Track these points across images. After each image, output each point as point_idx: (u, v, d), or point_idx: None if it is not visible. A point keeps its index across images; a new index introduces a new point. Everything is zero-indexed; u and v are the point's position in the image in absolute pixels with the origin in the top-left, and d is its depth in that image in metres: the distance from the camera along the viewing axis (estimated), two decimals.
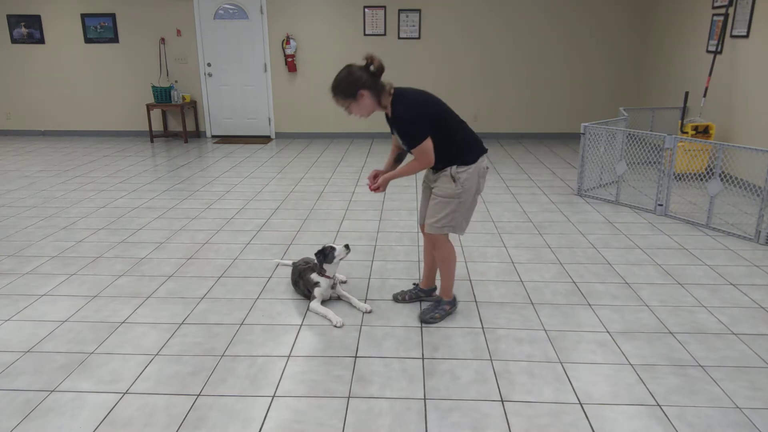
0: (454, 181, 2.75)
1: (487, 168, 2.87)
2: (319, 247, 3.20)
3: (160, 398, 2.36)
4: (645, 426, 2.19)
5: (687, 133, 5.99)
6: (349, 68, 2.67)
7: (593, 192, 5.49)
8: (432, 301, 3.13)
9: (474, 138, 2.82)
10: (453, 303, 3.06)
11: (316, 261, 3.19)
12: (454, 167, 2.75)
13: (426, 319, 2.97)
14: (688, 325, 2.97)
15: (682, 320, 3.02)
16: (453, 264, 3.00)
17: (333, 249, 3.13)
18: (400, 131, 2.74)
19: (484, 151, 2.83)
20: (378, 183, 2.87)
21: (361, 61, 2.69)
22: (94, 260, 3.84)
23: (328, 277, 3.15)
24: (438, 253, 2.96)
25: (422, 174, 3.04)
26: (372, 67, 2.65)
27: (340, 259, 3.17)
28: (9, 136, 8.88)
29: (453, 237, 4.22)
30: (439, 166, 2.80)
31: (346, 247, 3.15)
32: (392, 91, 2.71)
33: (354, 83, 2.63)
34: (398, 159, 3.01)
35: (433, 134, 2.68)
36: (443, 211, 2.81)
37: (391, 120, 2.78)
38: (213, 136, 8.87)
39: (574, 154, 7.46)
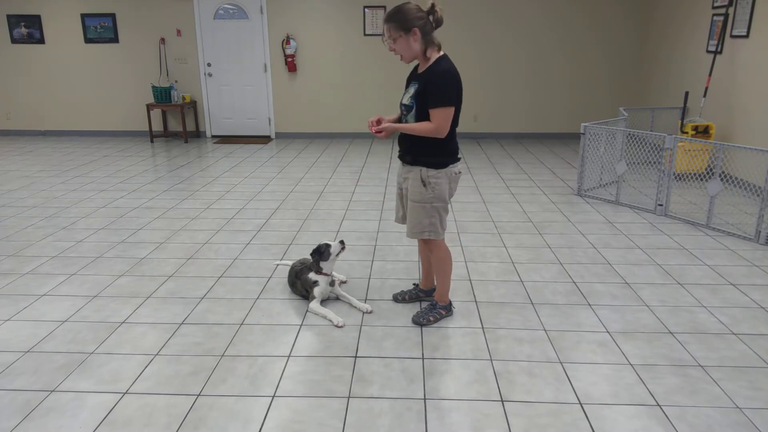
0: (425, 185, 2.73)
1: (459, 173, 2.83)
2: (315, 246, 3.20)
3: (160, 398, 2.36)
4: (645, 426, 2.19)
5: (687, 133, 5.99)
6: (409, 4, 2.62)
7: (593, 192, 5.49)
8: (428, 303, 3.12)
9: (455, 146, 2.79)
10: (448, 308, 3.05)
11: (312, 260, 3.19)
12: (425, 170, 2.72)
13: (419, 322, 2.97)
14: (688, 325, 2.97)
15: (682, 320, 3.02)
16: (449, 267, 2.98)
17: (328, 246, 3.14)
18: (430, 85, 2.59)
19: (458, 160, 2.80)
20: (382, 127, 2.72)
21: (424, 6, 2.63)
22: (94, 260, 3.84)
23: (325, 274, 3.16)
24: (434, 256, 2.95)
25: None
26: (431, 17, 2.61)
27: (337, 255, 3.17)
28: (9, 136, 8.87)
29: (453, 237, 4.23)
30: (408, 159, 2.78)
31: (341, 243, 3.16)
32: (441, 50, 2.67)
33: (413, 19, 2.57)
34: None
35: None
36: (420, 216, 2.79)
37: (422, 73, 2.67)
38: (213, 136, 8.87)
39: (574, 154, 7.46)
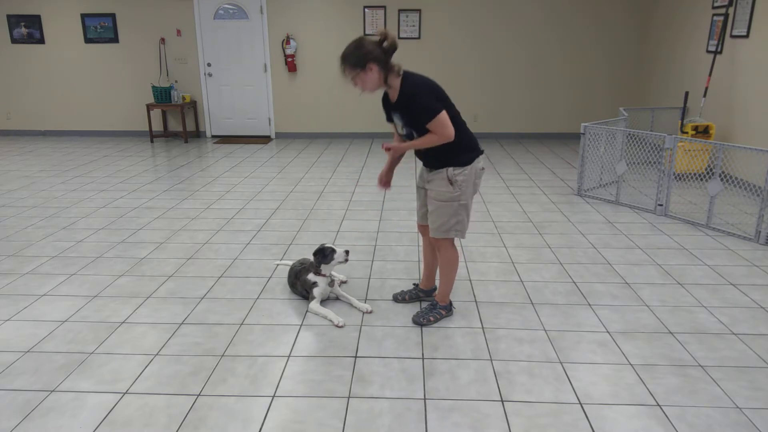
0: (451, 183, 2.75)
1: (483, 169, 2.86)
2: (318, 246, 3.19)
3: (160, 398, 2.36)
4: (645, 426, 2.19)
5: (687, 133, 5.99)
6: (361, 40, 2.64)
7: (593, 192, 5.49)
8: (428, 303, 3.12)
9: (472, 139, 2.81)
10: (448, 308, 3.05)
11: (313, 260, 3.19)
12: (451, 169, 2.74)
13: (420, 322, 2.97)
14: (688, 325, 2.97)
15: (682, 320, 3.02)
16: (455, 269, 2.99)
17: (333, 251, 3.13)
18: (411, 109, 2.65)
19: (481, 152, 2.83)
20: (390, 146, 2.79)
21: (374, 36, 2.66)
22: (94, 260, 3.84)
23: (323, 275, 3.16)
24: (442, 256, 2.95)
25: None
26: (385, 44, 2.63)
27: (338, 263, 3.17)
28: (9, 136, 8.87)
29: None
30: (436, 165, 2.80)
31: (346, 252, 3.15)
32: (401, 72, 2.68)
33: (365, 55, 2.59)
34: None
35: None
36: (447, 215, 2.80)
37: (396, 103, 2.71)
38: (213, 136, 8.87)
39: (574, 154, 7.46)
